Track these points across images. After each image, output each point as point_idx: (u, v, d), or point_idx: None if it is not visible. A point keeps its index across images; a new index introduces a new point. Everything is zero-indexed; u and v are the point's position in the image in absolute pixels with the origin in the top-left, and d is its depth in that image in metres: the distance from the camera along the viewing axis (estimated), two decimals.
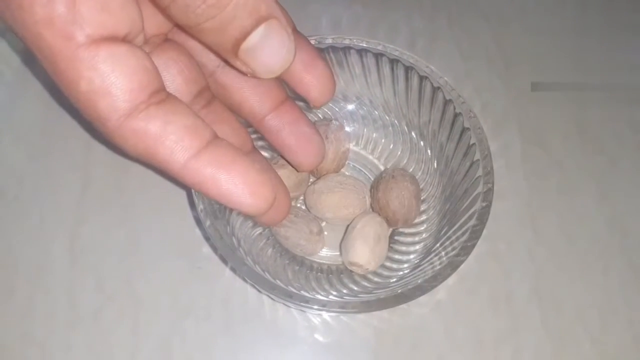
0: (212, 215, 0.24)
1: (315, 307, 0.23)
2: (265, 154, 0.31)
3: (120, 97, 0.18)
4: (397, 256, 0.28)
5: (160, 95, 0.19)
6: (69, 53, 0.17)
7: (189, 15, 0.18)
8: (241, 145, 0.24)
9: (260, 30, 0.19)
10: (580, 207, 0.33)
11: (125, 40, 0.19)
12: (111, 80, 0.18)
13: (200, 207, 0.24)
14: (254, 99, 0.25)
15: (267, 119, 0.25)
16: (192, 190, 0.24)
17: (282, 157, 0.27)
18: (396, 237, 0.29)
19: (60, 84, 0.18)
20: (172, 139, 0.19)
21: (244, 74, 0.20)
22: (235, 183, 0.19)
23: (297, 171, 0.28)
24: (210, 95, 0.24)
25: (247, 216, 0.22)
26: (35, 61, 0.34)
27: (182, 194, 0.30)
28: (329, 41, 0.28)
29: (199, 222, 0.30)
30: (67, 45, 0.17)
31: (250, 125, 0.25)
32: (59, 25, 0.17)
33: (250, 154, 0.24)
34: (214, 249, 0.29)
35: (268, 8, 0.19)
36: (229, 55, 0.19)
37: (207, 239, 0.29)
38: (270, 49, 0.19)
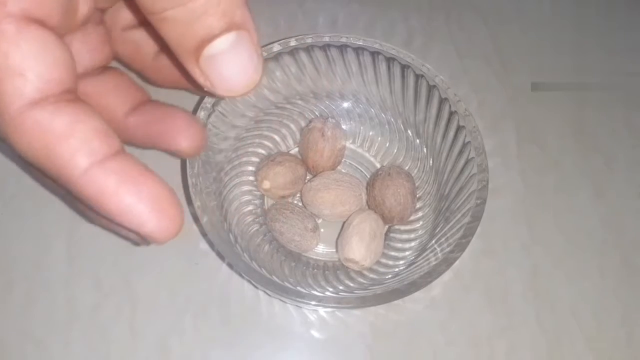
0: (209, 211, 0.24)
1: (311, 302, 0.23)
2: (261, 150, 0.31)
3: (34, 84, 0.16)
4: (392, 253, 0.29)
5: (72, 95, 0.17)
6: None
7: None
8: (133, 100, 0.23)
9: (229, 37, 0.17)
10: (575, 206, 0.33)
11: (53, 28, 0.17)
12: (30, 62, 0.16)
13: (197, 203, 0.24)
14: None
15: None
16: (189, 187, 0.24)
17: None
18: (392, 234, 0.30)
19: None
20: (79, 138, 0.16)
21: (199, 87, 0.18)
22: (141, 198, 0.16)
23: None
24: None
25: (140, 240, 0.19)
26: None
27: (179, 191, 0.30)
28: (326, 39, 0.28)
29: (196, 218, 0.30)
30: None
31: None
32: None
33: None
34: (211, 245, 0.30)
35: (243, 17, 0.17)
36: (189, 58, 0.17)
37: (204, 235, 0.29)
38: (236, 62, 0.17)
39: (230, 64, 0.17)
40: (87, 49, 0.22)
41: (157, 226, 0.17)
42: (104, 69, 0.23)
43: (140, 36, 0.24)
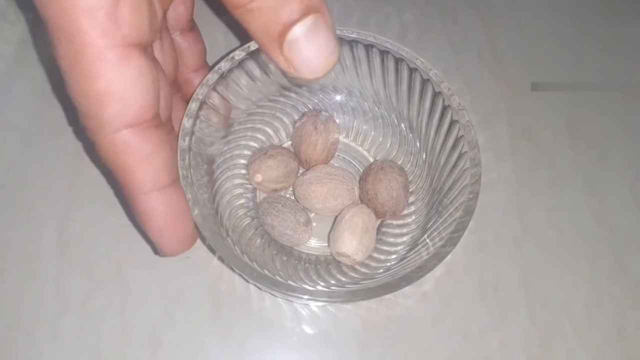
0: (200, 204, 0.24)
1: (302, 296, 0.23)
2: (254, 143, 0.31)
3: (132, 109, 0.19)
4: (385, 247, 0.29)
5: (158, 119, 0.20)
6: (101, 48, 0.18)
7: None
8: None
9: (308, 21, 0.18)
10: (568, 201, 0.33)
11: (148, 47, 0.19)
12: (131, 89, 0.18)
13: (188, 195, 0.24)
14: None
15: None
16: (180, 179, 0.24)
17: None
18: (384, 229, 0.30)
19: (74, 75, 0.18)
20: (153, 168, 0.20)
21: (285, 74, 0.20)
22: (171, 232, 0.22)
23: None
24: (177, 87, 0.26)
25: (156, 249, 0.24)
26: (29, 50, 0.34)
27: None
28: None
29: None
30: (102, 40, 0.18)
31: None
32: (101, 19, 0.17)
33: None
34: (202, 238, 0.29)
35: (319, 1, 0.18)
36: (274, 46, 0.19)
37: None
38: (315, 44, 0.19)
39: (311, 46, 0.19)
40: (164, 56, 0.24)
41: (168, 252, 0.23)
42: (176, 90, 0.26)
43: (185, 45, 0.27)
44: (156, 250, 0.24)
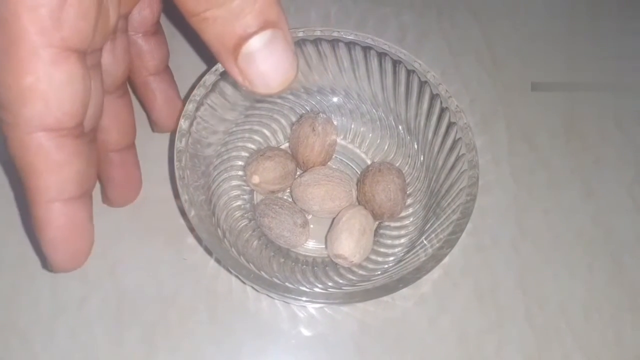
0: (197, 205, 0.24)
1: (299, 298, 0.23)
2: (251, 145, 0.31)
3: (54, 113, 0.18)
4: (382, 249, 0.29)
5: (79, 129, 0.19)
6: (36, 45, 0.17)
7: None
8: (124, 139, 0.26)
9: (265, 35, 0.18)
10: (565, 203, 0.33)
11: (90, 53, 0.19)
12: (57, 93, 0.18)
13: (184, 197, 0.24)
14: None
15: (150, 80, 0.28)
16: (177, 180, 0.24)
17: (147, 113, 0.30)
18: (382, 231, 0.30)
19: (2, 64, 0.17)
20: (61, 178, 0.19)
21: (239, 85, 0.19)
22: (66, 246, 0.20)
23: (153, 130, 0.31)
24: (125, 89, 0.26)
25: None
26: None
27: (167, 184, 0.30)
28: (318, 33, 0.28)
29: (183, 212, 0.30)
30: (39, 37, 0.17)
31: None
32: (42, 16, 0.17)
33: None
34: (199, 239, 0.29)
35: (278, 15, 0.18)
36: (228, 57, 0.18)
37: (192, 229, 0.29)
38: (272, 59, 0.18)
39: (267, 61, 0.18)
40: (114, 59, 0.23)
41: (58, 268, 0.21)
42: (123, 92, 0.26)
43: (147, 48, 0.27)
44: (45, 264, 0.23)
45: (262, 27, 0.18)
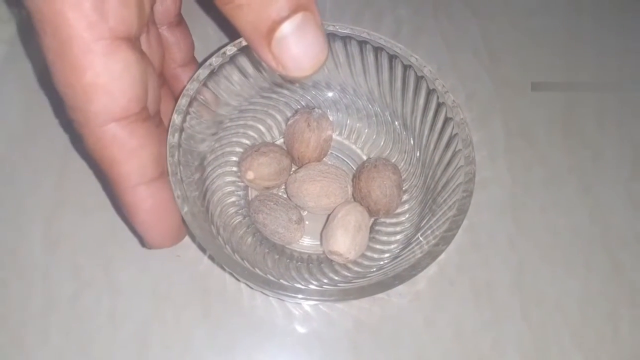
0: (190, 201, 0.24)
1: (293, 295, 0.22)
2: (246, 140, 0.30)
3: (120, 102, 0.19)
4: (378, 246, 0.28)
5: (146, 112, 0.20)
6: (87, 41, 0.18)
7: None
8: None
9: (296, 18, 0.18)
10: (562, 200, 0.33)
11: (136, 40, 0.19)
12: (118, 82, 0.18)
13: (177, 193, 0.23)
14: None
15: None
16: (169, 176, 0.23)
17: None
18: (377, 227, 0.29)
19: (60, 67, 0.18)
20: (139, 161, 0.20)
21: (273, 71, 0.20)
22: (158, 224, 0.22)
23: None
24: (163, 80, 0.26)
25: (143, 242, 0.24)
26: (19, 48, 0.33)
27: None
28: None
29: None
30: (89, 32, 0.18)
31: None
32: (87, 11, 0.17)
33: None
34: (192, 236, 0.29)
35: (308, 0, 0.18)
36: (262, 42, 0.19)
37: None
38: (303, 42, 0.19)
39: (300, 44, 0.19)
40: (150, 49, 0.23)
41: (153, 245, 0.23)
42: (162, 84, 0.26)
43: (173, 39, 0.27)
44: (144, 243, 0.24)
45: (294, 11, 0.18)
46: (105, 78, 0.18)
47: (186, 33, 0.28)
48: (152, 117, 0.21)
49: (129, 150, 0.20)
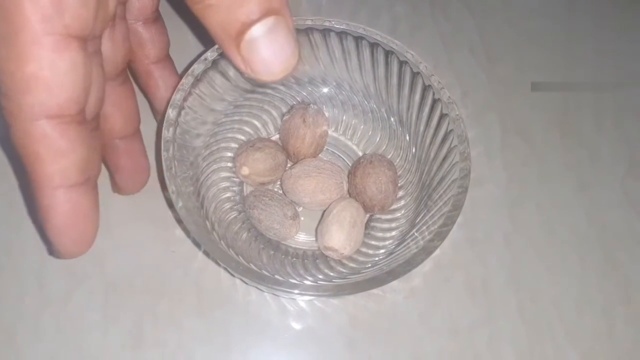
0: (184, 197, 0.24)
1: (288, 290, 0.22)
2: (242, 137, 0.30)
3: (57, 99, 0.18)
4: (373, 242, 0.28)
5: (82, 116, 0.19)
6: (38, 33, 0.17)
7: None
8: (128, 127, 0.26)
9: (267, 22, 0.18)
10: (558, 198, 0.33)
11: (93, 39, 0.19)
12: (60, 80, 0.18)
13: (171, 188, 0.23)
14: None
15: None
16: (164, 171, 0.23)
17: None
18: (373, 223, 0.29)
19: (5, 53, 0.18)
20: (64, 165, 0.19)
21: (242, 73, 0.19)
22: (72, 232, 0.20)
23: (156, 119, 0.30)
24: (125, 76, 0.26)
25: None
26: None
27: (154, 175, 0.30)
28: (309, 22, 0.27)
29: (171, 204, 0.29)
30: (42, 25, 0.17)
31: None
32: (44, 4, 0.17)
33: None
34: (187, 231, 0.29)
35: (280, 3, 0.18)
36: (231, 44, 0.19)
37: (180, 221, 0.29)
38: (273, 46, 0.19)
39: (270, 47, 0.19)
40: (113, 45, 0.23)
41: (63, 254, 0.21)
42: (124, 80, 0.26)
43: (147, 35, 0.27)
44: (51, 250, 0.23)
45: (265, 14, 0.18)
46: (47, 73, 0.18)
47: (162, 30, 0.28)
48: (89, 122, 0.20)
49: (56, 151, 0.19)
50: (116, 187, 0.29)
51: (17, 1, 0.17)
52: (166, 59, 0.28)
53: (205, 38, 0.34)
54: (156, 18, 0.27)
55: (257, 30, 0.18)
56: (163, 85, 0.28)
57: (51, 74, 0.18)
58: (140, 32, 0.26)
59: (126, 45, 0.24)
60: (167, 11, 0.28)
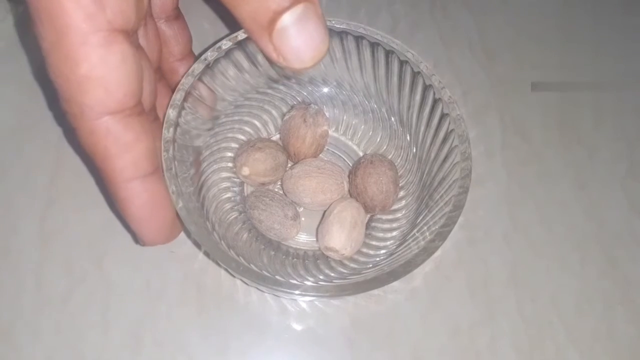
0: (185, 197, 0.24)
1: (289, 291, 0.22)
2: (241, 136, 0.30)
3: (115, 96, 0.18)
4: (374, 242, 0.28)
5: (140, 107, 0.20)
6: (84, 32, 0.17)
7: None
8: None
9: (297, 9, 0.18)
10: (558, 196, 0.33)
11: (133, 33, 0.19)
12: (114, 75, 0.18)
13: (172, 188, 0.23)
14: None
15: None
16: (164, 171, 0.23)
17: None
18: (373, 223, 0.29)
19: (56, 58, 0.18)
20: (134, 156, 0.20)
21: (273, 62, 0.19)
22: (152, 220, 0.21)
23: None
24: (161, 74, 0.26)
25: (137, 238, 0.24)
26: (15, 42, 0.33)
27: None
28: None
29: None
30: (86, 23, 0.17)
31: None
32: (85, 2, 0.17)
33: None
34: (187, 232, 0.29)
35: None
36: (263, 33, 0.19)
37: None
38: (304, 33, 0.19)
39: (301, 35, 0.19)
40: (148, 43, 0.23)
41: (145, 242, 0.23)
42: (160, 77, 0.26)
43: (170, 33, 0.27)
44: (137, 240, 0.24)
45: (295, 2, 0.18)
46: (101, 70, 0.18)
47: (184, 27, 0.28)
48: (148, 112, 0.21)
49: (123, 144, 0.19)
50: None
51: (59, 3, 0.17)
52: (190, 55, 0.28)
53: (205, 39, 0.34)
54: (177, 15, 0.27)
55: (288, 18, 0.18)
56: None
57: (104, 70, 0.18)
58: (164, 29, 0.26)
59: (158, 42, 0.25)
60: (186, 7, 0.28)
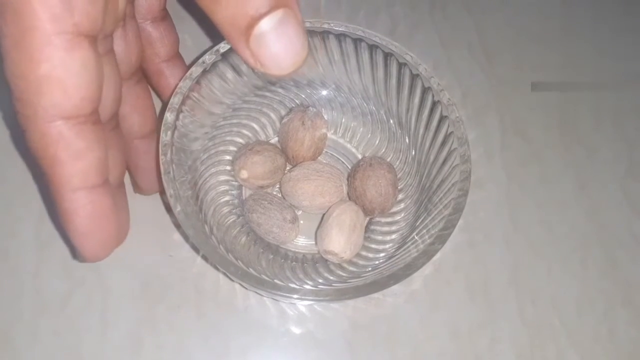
0: (183, 201, 0.23)
1: (288, 295, 0.22)
2: (239, 139, 0.30)
3: (72, 100, 0.18)
4: (373, 245, 0.28)
5: (96, 116, 0.19)
6: (49, 33, 0.17)
7: None
8: (146, 126, 0.26)
9: (276, 15, 0.18)
10: (558, 197, 0.33)
11: (104, 38, 0.19)
12: (73, 79, 0.18)
13: (170, 192, 0.23)
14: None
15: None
16: (162, 175, 0.23)
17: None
18: (372, 227, 0.29)
19: (16, 56, 0.17)
20: (83, 166, 0.19)
21: (252, 69, 0.19)
22: (94, 234, 0.20)
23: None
24: (141, 76, 0.25)
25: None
26: None
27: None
28: (307, 25, 0.27)
29: (169, 208, 0.29)
30: (52, 25, 0.17)
31: None
32: (53, 3, 0.17)
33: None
34: (186, 236, 0.29)
35: None
36: (240, 38, 0.18)
37: (179, 226, 0.28)
38: (284, 39, 0.18)
39: (279, 41, 0.18)
40: (126, 45, 0.23)
41: (85, 257, 0.21)
42: (139, 79, 0.26)
43: (157, 34, 0.26)
44: (75, 254, 0.23)
45: (274, 7, 0.18)
46: (61, 73, 0.17)
47: (171, 28, 0.27)
48: (108, 120, 0.20)
49: (73, 152, 0.19)
50: (137, 188, 0.29)
51: (28, 2, 0.17)
52: (176, 57, 0.28)
53: (204, 39, 0.34)
54: (164, 16, 0.27)
55: (266, 24, 0.18)
56: (175, 83, 0.28)
57: (65, 73, 0.17)
58: (149, 31, 0.26)
59: (139, 44, 0.24)
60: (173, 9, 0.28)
